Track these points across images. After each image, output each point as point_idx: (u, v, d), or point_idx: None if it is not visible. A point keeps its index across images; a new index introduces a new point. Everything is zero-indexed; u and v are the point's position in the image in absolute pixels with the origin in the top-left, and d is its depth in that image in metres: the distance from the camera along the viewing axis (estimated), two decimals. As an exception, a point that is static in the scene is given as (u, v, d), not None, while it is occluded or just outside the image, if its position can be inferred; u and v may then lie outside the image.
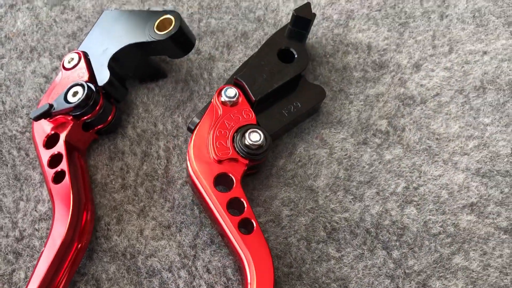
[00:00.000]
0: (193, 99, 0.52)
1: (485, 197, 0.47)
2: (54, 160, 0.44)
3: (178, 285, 0.43)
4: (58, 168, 0.43)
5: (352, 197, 0.47)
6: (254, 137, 0.44)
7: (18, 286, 0.43)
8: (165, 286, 0.43)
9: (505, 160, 0.48)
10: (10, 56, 0.54)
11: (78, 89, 0.44)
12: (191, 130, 0.47)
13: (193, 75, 0.53)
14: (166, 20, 0.47)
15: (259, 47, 0.55)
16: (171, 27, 0.46)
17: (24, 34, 0.56)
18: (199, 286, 0.43)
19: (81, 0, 0.58)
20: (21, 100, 0.52)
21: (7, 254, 0.44)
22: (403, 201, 0.47)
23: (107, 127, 0.48)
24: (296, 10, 0.48)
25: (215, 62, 0.54)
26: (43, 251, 0.40)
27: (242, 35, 0.55)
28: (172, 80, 0.53)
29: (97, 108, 0.45)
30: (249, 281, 0.40)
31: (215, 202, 0.43)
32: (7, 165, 0.48)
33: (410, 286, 0.43)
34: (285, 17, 0.56)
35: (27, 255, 0.44)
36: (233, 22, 0.56)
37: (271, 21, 0.56)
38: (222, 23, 0.56)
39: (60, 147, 0.44)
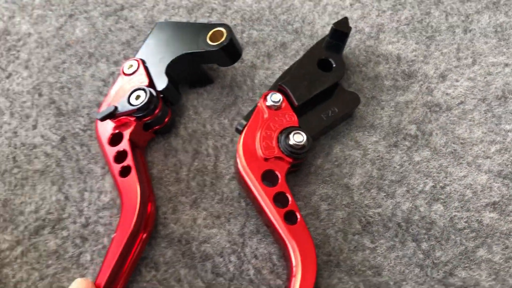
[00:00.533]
0: (237, 103, 0.57)
1: (506, 197, 0.51)
2: (120, 156, 0.49)
3: (229, 268, 0.48)
4: (124, 163, 0.48)
5: (385, 194, 0.52)
6: (298, 138, 0.49)
7: (85, 267, 0.48)
8: (217, 269, 0.48)
9: (525, 163, 0.52)
10: (71, 61, 0.60)
11: (141, 93, 0.49)
12: (239, 131, 0.52)
13: (237, 81, 0.58)
14: (218, 32, 0.52)
15: (297, 56, 0.60)
16: (223, 39, 0.51)
17: (83, 42, 0.61)
18: (248, 270, 0.48)
19: (133, 11, 0.63)
20: (81, 101, 0.57)
21: (74, 238, 0.50)
22: (430, 198, 0.51)
23: (163, 128, 0.53)
24: (335, 24, 0.54)
25: (257, 70, 0.59)
26: (114, 237, 0.45)
27: (281, 46, 0.60)
28: (218, 86, 0.58)
29: (157, 110, 0.50)
30: (294, 266, 0.45)
31: (262, 196, 0.48)
32: (72, 159, 0.54)
33: (438, 274, 0.48)
34: (320, 29, 0.61)
35: (93, 239, 0.50)
36: (272, 33, 0.61)
37: (308, 33, 0.61)
38: (262, 34, 0.61)
39: (124, 145, 0.49)
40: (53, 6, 0.64)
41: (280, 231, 0.46)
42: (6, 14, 0.63)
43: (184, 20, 0.63)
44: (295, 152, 0.48)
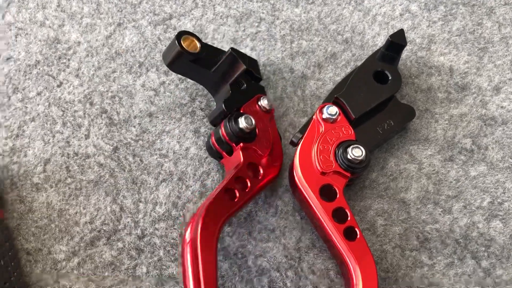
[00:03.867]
0: (289, 114, 0.57)
1: None
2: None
3: (286, 284, 0.48)
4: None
5: (442, 209, 0.51)
6: (357, 152, 0.48)
7: (141, 279, 0.48)
8: (274, 284, 0.48)
9: None
10: (121, 71, 0.60)
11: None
12: (294, 144, 0.52)
13: (288, 92, 0.58)
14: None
15: (347, 67, 0.60)
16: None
17: (132, 51, 0.61)
18: (306, 286, 0.47)
19: (182, 20, 0.63)
20: (133, 111, 0.57)
21: (130, 250, 0.50)
22: (489, 215, 0.50)
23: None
24: (391, 36, 0.53)
25: (307, 81, 0.59)
26: None
27: (331, 56, 0.60)
28: (270, 97, 0.57)
29: None
30: (355, 285, 0.45)
31: (321, 211, 0.47)
32: (125, 170, 0.54)
33: (499, 294, 0.47)
34: (371, 40, 0.61)
35: (148, 251, 0.50)
36: (322, 43, 0.61)
37: (358, 43, 0.61)
38: (312, 44, 0.61)
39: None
40: (101, 15, 0.64)
41: (340, 247, 0.46)
42: (56, 22, 0.64)
43: (233, 29, 0.62)
44: (354, 167, 0.48)
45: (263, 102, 0.52)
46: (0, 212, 0.49)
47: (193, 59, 0.51)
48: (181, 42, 0.50)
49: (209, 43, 0.56)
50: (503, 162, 0.53)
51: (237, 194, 0.47)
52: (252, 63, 0.56)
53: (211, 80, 0.53)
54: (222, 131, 0.49)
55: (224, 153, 0.50)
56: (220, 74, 0.52)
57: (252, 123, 0.49)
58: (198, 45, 0.52)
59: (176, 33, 0.50)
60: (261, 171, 0.49)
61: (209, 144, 0.52)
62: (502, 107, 0.56)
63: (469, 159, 0.53)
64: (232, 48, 0.52)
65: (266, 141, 0.50)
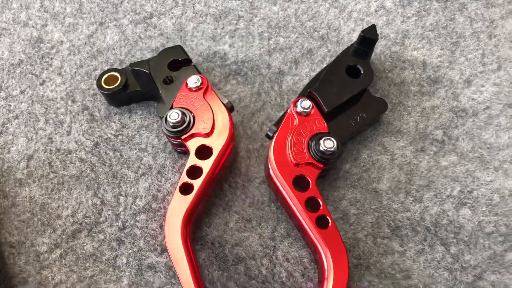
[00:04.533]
0: (266, 108, 0.58)
1: (534, 201, 0.52)
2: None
3: (261, 271, 0.49)
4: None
5: (413, 198, 0.52)
6: (328, 144, 0.50)
7: (121, 269, 0.50)
8: (250, 272, 0.49)
9: (552, 168, 0.53)
10: (102, 68, 0.61)
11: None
12: (269, 137, 0.53)
13: (265, 88, 0.60)
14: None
15: (323, 63, 0.61)
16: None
17: (113, 49, 0.63)
18: (280, 273, 0.49)
19: (162, 19, 0.65)
20: (113, 108, 0.59)
21: (111, 241, 0.51)
22: (458, 203, 0.52)
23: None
24: (363, 31, 0.55)
25: (284, 76, 0.60)
26: None
27: (308, 52, 0.62)
28: (247, 92, 0.59)
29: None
30: (326, 270, 0.46)
31: (294, 201, 0.49)
32: (105, 165, 0.55)
33: (467, 278, 0.48)
34: (346, 36, 0.62)
35: (129, 242, 0.51)
36: (299, 40, 0.62)
37: (334, 39, 0.62)
38: (289, 41, 0.62)
39: None
40: (84, 14, 0.65)
41: (312, 235, 0.48)
42: (39, 22, 0.65)
43: (212, 27, 0.64)
44: (326, 158, 0.50)
45: (191, 83, 0.53)
46: (-17, 206, 0.50)
47: (120, 90, 0.56)
48: (103, 84, 0.56)
49: (184, 46, 0.57)
50: (472, 152, 0.54)
51: (194, 185, 0.48)
52: (171, 53, 0.56)
53: (148, 94, 0.57)
54: (164, 132, 0.51)
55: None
56: (148, 89, 0.56)
57: (178, 116, 0.50)
58: (119, 76, 0.56)
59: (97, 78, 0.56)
60: (211, 147, 0.50)
61: (172, 143, 0.54)
62: (473, 99, 0.57)
63: (440, 150, 0.55)
64: (130, 64, 0.56)
65: (206, 119, 0.51)
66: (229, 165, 0.55)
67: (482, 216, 0.51)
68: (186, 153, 0.54)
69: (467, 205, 0.52)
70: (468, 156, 0.54)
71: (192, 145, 0.51)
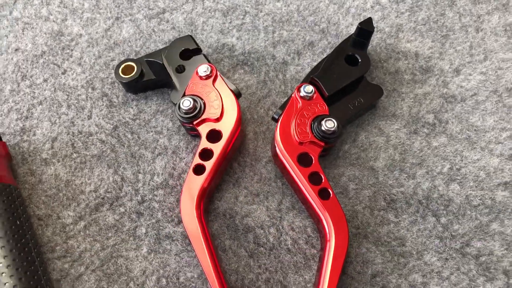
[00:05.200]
0: (271, 95, 0.63)
1: (516, 177, 0.57)
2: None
3: (269, 239, 0.54)
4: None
5: (406, 175, 0.58)
6: (329, 124, 0.55)
7: (141, 238, 0.55)
8: (258, 240, 0.54)
9: (533, 147, 0.58)
10: (119, 59, 0.66)
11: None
12: (275, 120, 0.58)
13: (270, 76, 0.65)
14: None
15: (324, 54, 0.66)
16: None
17: (129, 41, 0.68)
18: (286, 240, 0.54)
19: (174, 14, 0.70)
20: (130, 95, 0.64)
21: (131, 214, 0.56)
22: (448, 179, 0.57)
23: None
24: (360, 23, 0.60)
25: (288, 66, 0.65)
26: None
27: (309, 44, 0.67)
28: (254, 80, 0.64)
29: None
30: (328, 238, 0.51)
31: (299, 175, 0.54)
32: (124, 146, 0.60)
33: (455, 245, 0.54)
34: (344, 29, 0.68)
35: (148, 214, 0.56)
36: (301, 33, 0.68)
37: (333, 32, 0.67)
38: (292, 34, 0.68)
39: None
40: (101, 10, 0.70)
41: (315, 206, 0.53)
42: (59, 17, 0.70)
43: (220, 22, 0.69)
44: (327, 137, 0.55)
45: (201, 71, 0.58)
46: (14, 181, 0.55)
47: (136, 79, 0.60)
48: (120, 73, 0.61)
49: (195, 37, 0.62)
50: (461, 134, 0.60)
51: (206, 166, 0.53)
52: (182, 43, 0.61)
53: (162, 82, 0.62)
54: (178, 118, 0.56)
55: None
56: (162, 77, 0.61)
57: (189, 103, 0.55)
58: (135, 66, 0.61)
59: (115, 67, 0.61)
60: (221, 131, 0.55)
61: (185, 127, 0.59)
62: (461, 86, 0.63)
63: (431, 132, 0.60)
64: (145, 55, 0.61)
65: (215, 105, 0.56)
66: (238, 146, 0.59)
67: (470, 190, 0.56)
68: (198, 136, 0.58)
69: (456, 181, 0.57)
70: (457, 138, 0.59)
71: (203, 129, 0.56)
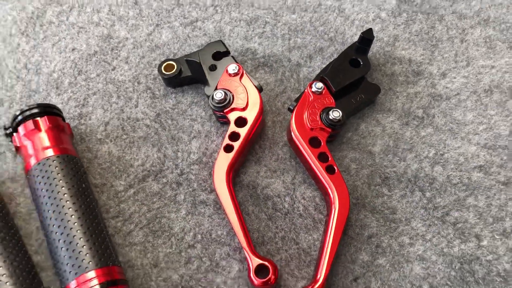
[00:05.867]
0: (287, 91, 0.76)
1: (489, 162, 0.69)
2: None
3: (284, 206, 0.66)
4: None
5: (398, 158, 0.70)
6: (335, 114, 0.67)
7: (180, 203, 0.67)
8: (276, 206, 0.66)
9: (505, 138, 0.70)
10: (160, 59, 0.79)
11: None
12: (290, 110, 0.71)
13: (286, 76, 0.77)
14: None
15: (331, 58, 0.79)
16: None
17: (168, 44, 0.81)
18: (298, 207, 0.66)
19: (205, 23, 0.83)
20: (169, 89, 0.77)
21: (172, 183, 0.68)
22: (433, 162, 0.69)
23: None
24: (363, 32, 0.72)
25: (301, 68, 0.78)
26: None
27: (319, 50, 0.80)
28: (272, 79, 0.77)
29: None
30: (333, 205, 0.63)
31: (310, 154, 0.66)
32: (165, 130, 0.73)
33: (437, 214, 0.66)
34: (349, 38, 0.80)
35: (185, 184, 0.68)
36: (312, 40, 0.81)
37: (340, 40, 0.80)
38: (305, 41, 0.80)
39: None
40: (143, 18, 0.84)
41: (323, 179, 0.65)
42: (108, 23, 0.83)
43: (244, 30, 0.82)
44: (333, 124, 0.67)
45: (230, 69, 0.70)
46: (77, 155, 0.68)
47: (176, 75, 0.73)
48: (163, 70, 0.74)
49: (225, 41, 0.75)
50: (445, 126, 0.72)
51: (234, 146, 0.66)
52: (214, 46, 0.74)
53: (197, 78, 0.75)
54: (211, 107, 0.69)
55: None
56: (197, 74, 0.74)
57: (221, 95, 0.68)
58: (175, 65, 0.73)
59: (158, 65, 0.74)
60: (247, 118, 0.68)
61: (216, 115, 0.72)
62: (446, 87, 0.75)
63: (420, 124, 0.72)
64: (184, 56, 0.74)
65: (242, 97, 0.69)
66: (259, 132, 0.72)
67: (451, 171, 0.68)
68: (226, 123, 0.71)
69: (439, 163, 0.69)
70: (442, 129, 0.72)
71: (232, 116, 0.69)
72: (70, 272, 0.57)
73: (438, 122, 0.72)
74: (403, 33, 0.80)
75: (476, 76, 0.75)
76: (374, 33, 0.74)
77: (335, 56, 0.78)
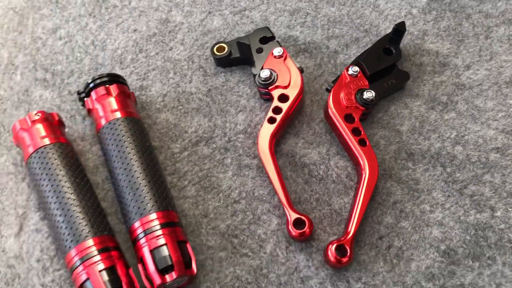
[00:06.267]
0: (324, 75, 0.85)
1: (506, 145, 0.77)
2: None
3: (319, 173, 0.75)
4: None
5: (423, 137, 0.78)
6: (369, 94, 0.76)
7: (227, 166, 0.77)
8: (311, 173, 0.75)
9: (521, 125, 0.78)
10: (211, 42, 0.89)
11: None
12: (328, 90, 0.80)
13: (324, 61, 0.86)
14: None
15: (366, 47, 0.88)
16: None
17: (219, 30, 0.91)
18: (331, 174, 0.75)
19: (253, 12, 0.92)
20: (219, 68, 0.86)
21: (220, 149, 0.78)
22: (454, 142, 0.77)
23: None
24: (396, 24, 0.81)
25: (338, 55, 0.87)
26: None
27: (355, 40, 0.88)
28: (312, 63, 0.86)
29: None
30: (363, 174, 0.72)
31: (344, 129, 0.75)
32: (215, 103, 0.82)
33: (456, 187, 0.73)
34: (383, 31, 0.89)
35: (232, 150, 0.78)
36: (349, 31, 0.89)
37: (374, 32, 0.89)
38: (342, 31, 0.89)
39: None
40: (197, 5, 0.94)
41: (355, 151, 0.73)
42: (166, 8, 0.94)
43: (288, 19, 0.91)
44: (367, 103, 0.76)
45: (275, 52, 0.79)
46: (139, 116, 0.78)
47: (226, 56, 0.83)
48: (215, 51, 0.83)
49: (269, 28, 0.85)
50: (467, 112, 0.80)
51: (277, 118, 0.75)
52: (262, 32, 0.83)
53: (245, 60, 0.84)
54: (257, 85, 0.78)
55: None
56: (245, 56, 0.83)
57: (267, 73, 0.77)
58: (226, 47, 0.82)
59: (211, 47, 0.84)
60: (288, 95, 0.77)
61: (260, 92, 0.81)
62: (470, 78, 0.83)
63: (444, 109, 0.80)
64: (237, 39, 0.83)
65: (285, 77, 0.78)
66: (299, 109, 0.81)
67: (470, 151, 0.76)
68: (269, 99, 0.80)
69: (460, 144, 0.77)
70: (464, 114, 0.80)
71: (276, 93, 0.78)
72: (135, 213, 0.66)
73: (460, 108, 0.80)
74: (432, 28, 0.88)
75: (498, 69, 0.83)
76: (406, 27, 0.82)
77: (369, 46, 0.86)
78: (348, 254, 0.65)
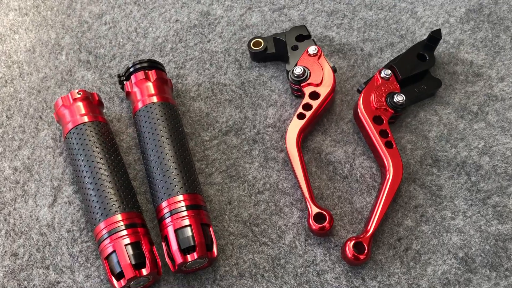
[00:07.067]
0: (357, 76, 0.86)
1: (534, 159, 0.77)
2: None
3: (344, 171, 0.77)
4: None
5: (450, 145, 0.79)
6: (399, 98, 0.77)
7: (254, 157, 0.79)
8: (336, 170, 0.77)
9: (551, 140, 0.78)
10: (248, 37, 0.92)
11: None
12: (359, 91, 0.81)
13: (358, 63, 0.88)
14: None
15: (400, 52, 0.89)
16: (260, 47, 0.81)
17: (257, 26, 0.93)
18: (356, 174, 0.76)
19: (291, 10, 0.95)
20: (254, 62, 0.89)
21: (249, 140, 0.80)
22: (481, 152, 0.78)
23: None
24: (432, 32, 0.82)
25: (372, 58, 0.88)
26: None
27: (390, 44, 0.89)
28: (345, 65, 0.88)
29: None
30: (387, 175, 0.73)
31: (372, 130, 0.76)
32: (248, 96, 0.85)
33: (479, 196, 0.74)
34: (418, 37, 0.90)
35: (260, 142, 0.80)
36: (385, 36, 0.90)
37: (410, 38, 0.90)
38: (378, 35, 0.91)
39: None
40: (238, 1, 0.96)
41: (381, 152, 0.75)
42: (208, 2, 0.97)
43: (325, 20, 0.93)
44: (396, 107, 0.77)
45: (310, 50, 0.81)
46: (174, 102, 0.81)
47: (262, 51, 0.85)
48: (251, 45, 0.85)
49: (306, 27, 0.87)
50: (497, 123, 0.80)
51: (306, 114, 0.77)
52: (298, 30, 0.85)
53: (279, 56, 0.86)
54: (289, 81, 0.80)
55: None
56: (280, 52, 0.85)
57: (301, 70, 0.79)
58: (262, 42, 0.84)
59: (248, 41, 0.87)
60: (320, 93, 0.78)
61: (292, 89, 0.83)
62: (503, 90, 0.83)
63: (474, 118, 0.81)
64: (274, 35, 0.85)
65: (318, 75, 0.80)
66: (329, 108, 0.83)
67: (497, 162, 0.77)
68: (301, 96, 0.82)
69: (487, 154, 0.77)
70: (493, 125, 0.80)
71: (307, 90, 0.80)
72: (164, 193, 0.69)
73: (490, 119, 0.80)
74: (469, 38, 0.88)
75: (533, 83, 0.82)
76: (441, 36, 0.83)
77: (404, 51, 0.87)
78: (366, 251, 0.67)
